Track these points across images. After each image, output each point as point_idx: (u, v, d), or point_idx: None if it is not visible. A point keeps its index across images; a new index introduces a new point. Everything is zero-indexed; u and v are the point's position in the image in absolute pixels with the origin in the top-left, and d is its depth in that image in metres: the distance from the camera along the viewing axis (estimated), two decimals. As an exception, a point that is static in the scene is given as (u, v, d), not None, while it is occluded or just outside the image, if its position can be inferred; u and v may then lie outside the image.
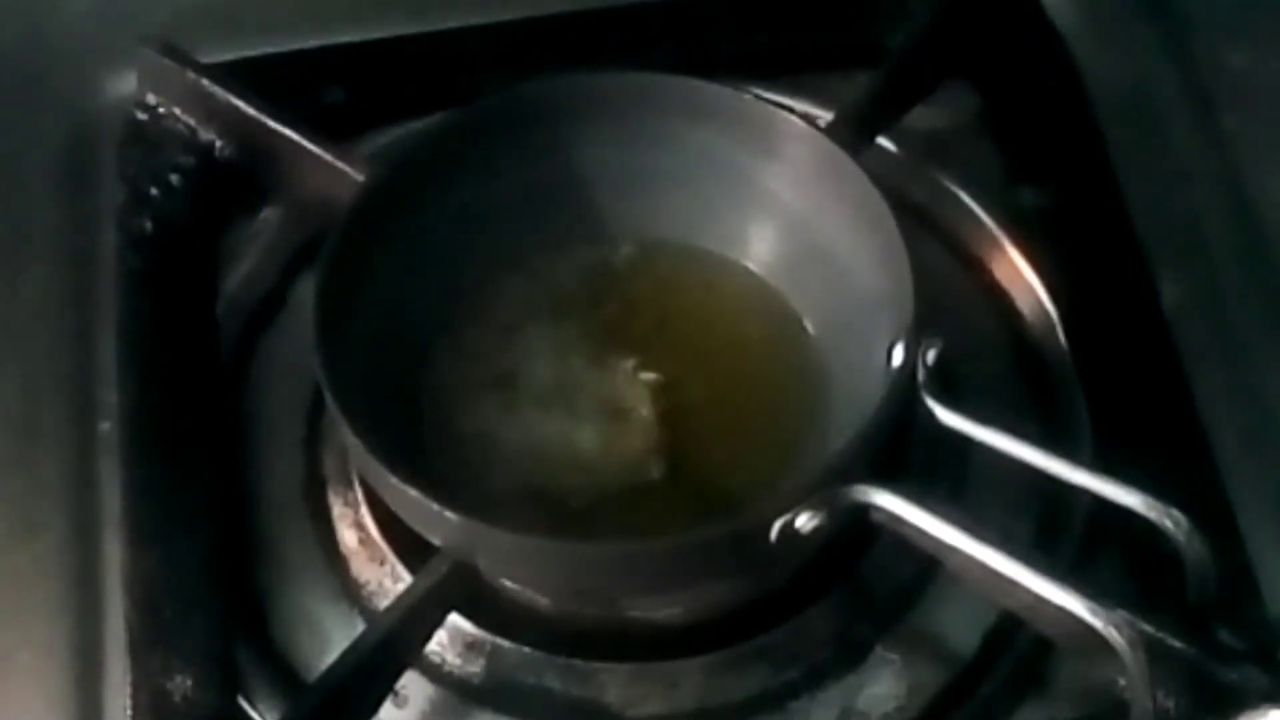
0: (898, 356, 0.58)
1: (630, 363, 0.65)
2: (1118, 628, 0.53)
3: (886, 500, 0.56)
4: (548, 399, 0.65)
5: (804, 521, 0.55)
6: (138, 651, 0.60)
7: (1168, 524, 0.54)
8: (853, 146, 0.64)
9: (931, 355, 0.58)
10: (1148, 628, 0.55)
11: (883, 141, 0.72)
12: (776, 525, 0.55)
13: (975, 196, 0.73)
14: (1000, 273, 0.72)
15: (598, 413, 0.64)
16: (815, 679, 0.62)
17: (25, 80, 0.75)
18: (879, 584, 0.63)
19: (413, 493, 0.55)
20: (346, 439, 0.58)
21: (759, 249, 0.68)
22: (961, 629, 0.63)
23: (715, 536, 0.56)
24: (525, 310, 0.67)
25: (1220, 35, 0.75)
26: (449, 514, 0.55)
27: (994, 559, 0.55)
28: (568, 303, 0.67)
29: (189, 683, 0.60)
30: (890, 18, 0.74)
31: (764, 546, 0.55)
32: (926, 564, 0.62)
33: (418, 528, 0.59)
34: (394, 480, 0.56)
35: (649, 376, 0.65)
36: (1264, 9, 0.76)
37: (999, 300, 0.71)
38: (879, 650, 0.62)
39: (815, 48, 0.76)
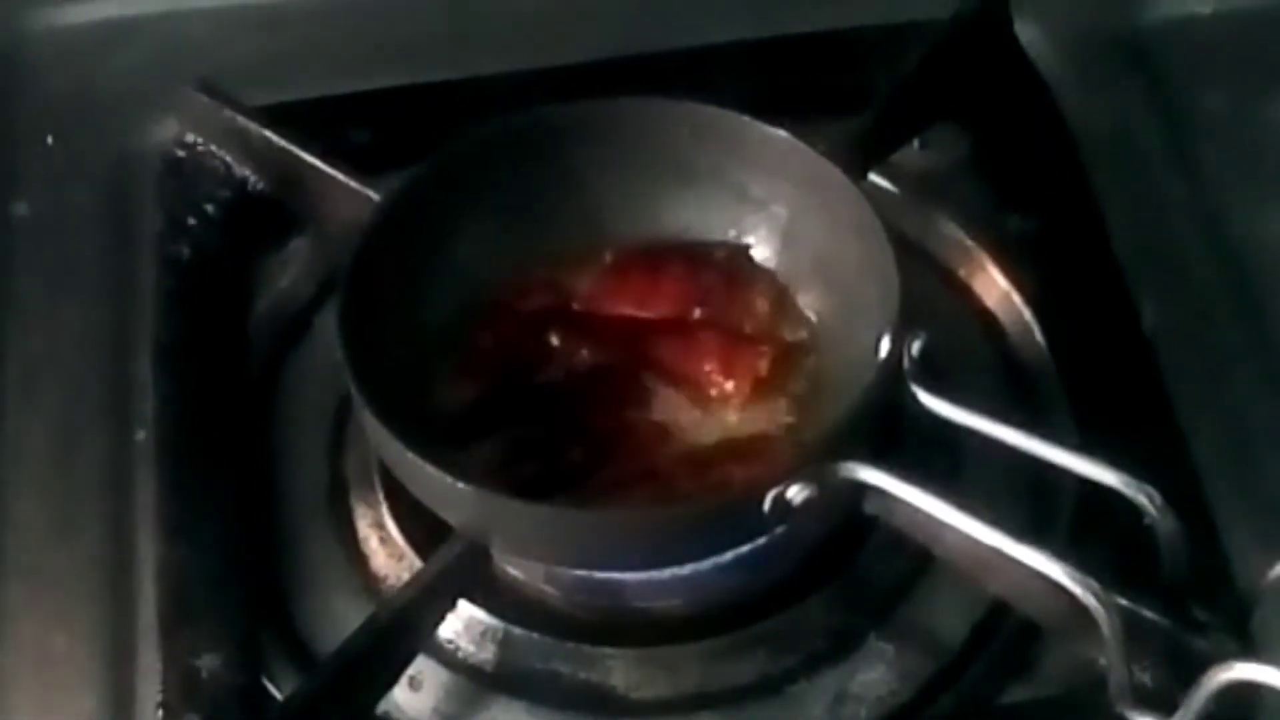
0: (884, 347, 0.62)
1: (640, 359, 0.68)
2: (1097, 597, 0.56)
3: (876, 477, 0.59)
4: (561, 395, 0.68)
5: (795, 493, 0.58)
6: (168, 633, 0.64)
7: (1142, 499, 0.57)
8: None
9: (916, 346, 0.61)
10: (1124, 600, 0.58)
11: (879, 180, 0.77)
12: (769, 496, 0.58)
13: (966, 230, 0.77)
14: (990, 299, 0.76)
15: (607, 407, 0.67)
16: (811, 665, 0.64)
17: (77, 124, 0.81)
18: (873, 578, 0.66)
19: (428, 468, 0.59)
20: (366, 423, 0.62)
21: (760, 255, 0.72)
22: (951, 620, 0.65)
23: (713, 505, 0.60)
24: (535, 314, 0.70)
25: (1196, 80, 0.80)
26: (461, 485, 0.59)
27: (981, 532, 0.58)
28: (576, 305, 0.71)
29: (216, 662, 0.63)
30: (884, 65, 0.78)
31: (758, 517, 0.59)
32: (919, 559, 0.65)
33: (433, 506, 0.62)
34: (411, 456, 0.59)
35: (657, 374, 0.68)
36: (1236, 55, 0.81)
37: (989, 323, 0.75)
38: (873, 639, 0.65)
39: (810, 92, 0.80)
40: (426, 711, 0.64)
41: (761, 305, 0.70)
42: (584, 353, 0.69)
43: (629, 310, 0.70)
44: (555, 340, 0.69)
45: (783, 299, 0.70)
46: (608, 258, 0.71)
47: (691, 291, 0.70)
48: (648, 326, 0.69)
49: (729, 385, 0.67)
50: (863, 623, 0.65)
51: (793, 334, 0.69)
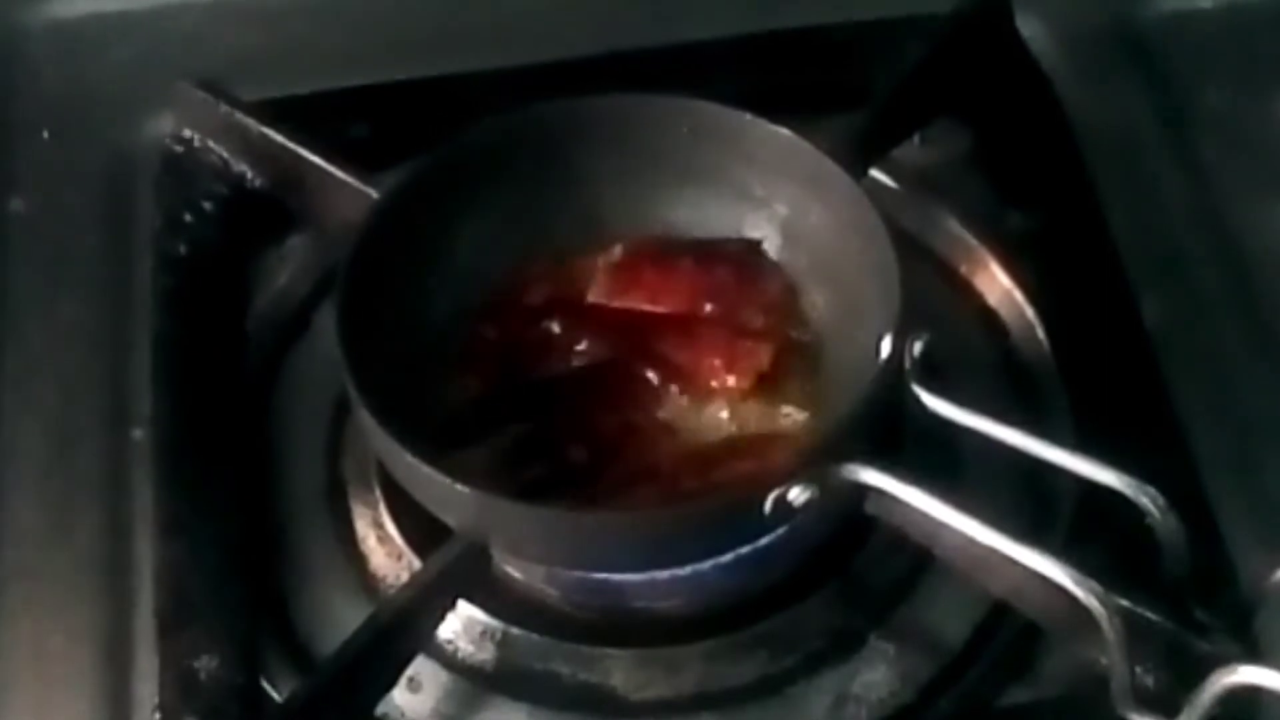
0: (885, 348, 0.61)
1: (643, 355, 0.68)
2: (1098, 599, 0.55)
3: (876, 478, 0.59)
4: (563, 392, 0.68)
5: (796, 495, 0.58)
6: (166, 633, 0.64)
7: (1144, 500, 0.57)
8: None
9: (918, 347, 0.61)
10: (1125, 602, 0.58)
11: (880, 176, 0.76)
12: (770, 498, 0.58)
13: (968, 226, 0.77)
14: (991, 296, 0.75)
15: (610, 404, 0.67)
16: (812, 666, 0.64)
17: (73, 119, 0.81)
18: (874, 578, 0.66)
19: (427, 470, 0.59)
20: (365, 424, 0.62)
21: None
22: (952, 620, 0.65)
23: (714, 506, 0.59)
24: (538, 308, 0.70)
25: (1197, 74, 0.80)
26: (461, 488, 0.58)
27: (982, 533, 0.57)
28: (579, 303, 0.70)
29: (214, 663, 0.63)
30: (885, 60, 0.78)
31: (759, 518, 0.59)
32: (919, 559, 0.65)
33: (433, 508, 0.62)
34: (410, 458, 0.59)
35: (660, 369, 0.67)
36: (1236, 52, 0.80)
37: (990, 320, 0.75)
38: (873, 640, 0.65)
39: (810, 88, 0.80)
40: (425, 712, 0.64)
41: (771, 301, 0.69)
42: (587, 347, 0.68)
43: (639, 305, 0.69)
44: (558, 334, 0.69)
45: (792, 296, 0.70)
46: (618, 252, 0.71)
47: (703, 286, 0.69)
48: (651, 321, 0.69)
49: (732, 380, 0.67)
50: (863, 623, 0.65)
51: (796, 331, 0.69)
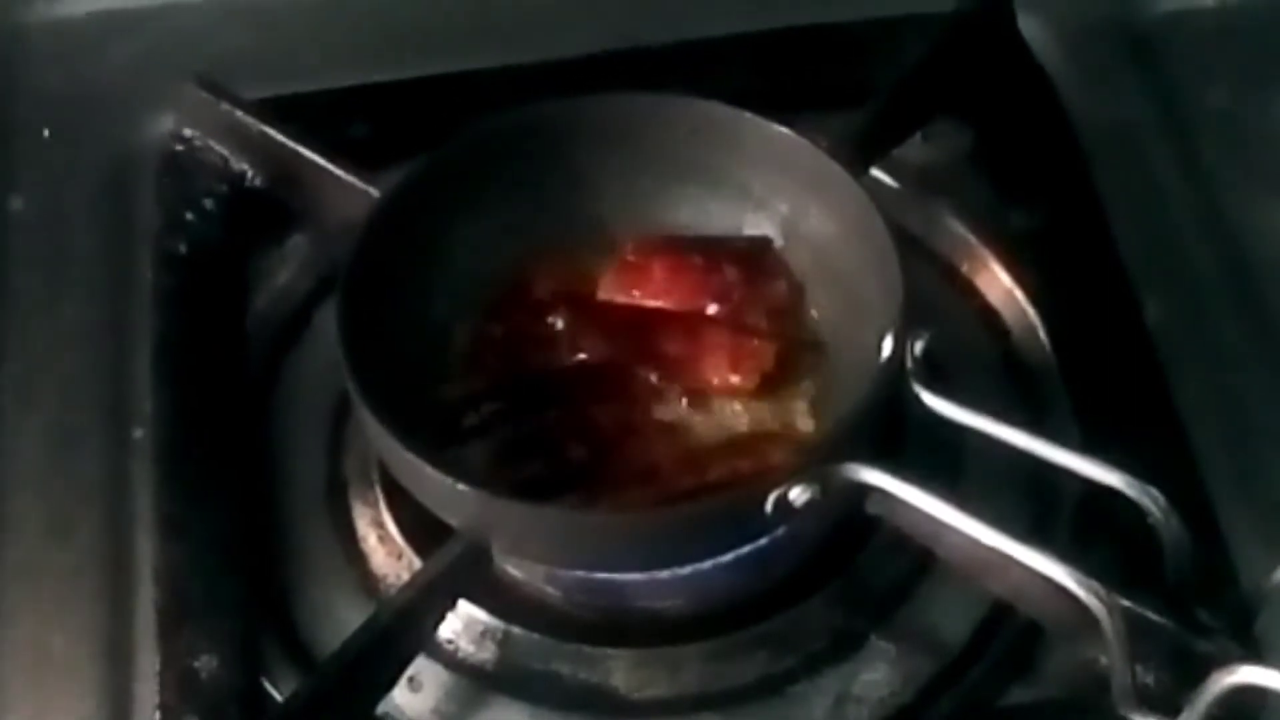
0: (887, 347, 0.61)
1: (645, 354, 0.68)
2: (1100, 599, 0.55)
3: (878, 478, 0.59)
4: (564, 391, 0.67)
5: (797, 495, 0.58)
6: (167, 634, 0.64)
7: (1147, 502, 0.57)
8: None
9: (919, 346, 0.61)
10: (1127, 602, 0.58)
11: (881, 175, 0.76)
12: (771, 498, 0.58)
13: (969, 225, 0.77)
14: (992, 295, 0.75)
15: (610, 403, 0.67)
16: (813, 666, 0.64)
17: (73, 118, 0.81)
18: (875, 578, 0.66)
19: (428, 469, 0.59)
20: (366, 423, 0.62)
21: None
22: (953, 620, 0.65)
23: (715, 506, 0.59)
24: (539, 305, 0.70)
25: (1199, 73, 0.80)
26: (462, 487, 0.58)
27: (984, 533, 0.57)
28: (584, 300, 0.70)
29: (214, 663, 0.63)
30: (886, 58, 0.78)
31: (760, 518, 0.59)
32: (920, 560, 0.65)
33: (433, 507, 0.62)
34: (410, 457, 0.59)
35: (662, 368, 0.67)
36: (1237, 50, 0.80)
37: (992, 320, 0.75)
38: (874, 640, 0.65)
39: (812, 86, 0.80)
40: (426, 712, 0.64)
41: (777, 301, 0.69)
42: (590, 344, 0.68)
43: (645, 302, 0.69)
44: (561, 331, 0.69)
45: (798, 295, 0.70)
46: (628, 249, 0.71)
47: (710, 285, 0.69)
48: (657, 319, 0.69)
49: (736, 380, 0.67)
50: (864, 623, 0.65)
51: (799, 331, 0.69)
